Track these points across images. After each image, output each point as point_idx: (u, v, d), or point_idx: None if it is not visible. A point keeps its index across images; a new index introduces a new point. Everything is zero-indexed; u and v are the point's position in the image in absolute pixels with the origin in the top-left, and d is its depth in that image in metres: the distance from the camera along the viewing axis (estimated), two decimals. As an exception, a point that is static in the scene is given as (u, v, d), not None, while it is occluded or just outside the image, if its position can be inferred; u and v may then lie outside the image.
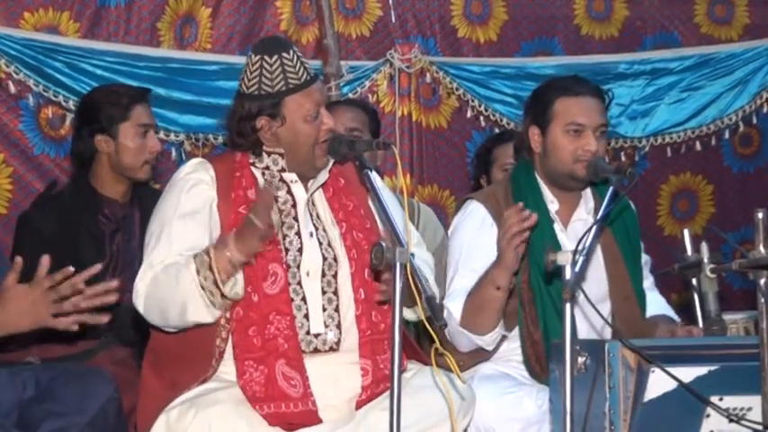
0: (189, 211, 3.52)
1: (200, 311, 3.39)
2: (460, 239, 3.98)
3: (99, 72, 5.07)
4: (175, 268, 3.39)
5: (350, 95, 5.51)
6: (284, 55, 3.56)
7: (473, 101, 5.70)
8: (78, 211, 4.36)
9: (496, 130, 5.63)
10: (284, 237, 3.56)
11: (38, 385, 3.51)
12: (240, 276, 3.41)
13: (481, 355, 3.95)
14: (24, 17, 5.05)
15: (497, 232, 3.81)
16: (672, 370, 3.36)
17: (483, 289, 3.75)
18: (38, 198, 4.55)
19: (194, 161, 3.68)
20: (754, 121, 6.08)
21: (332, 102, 4.82)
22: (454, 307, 3.84)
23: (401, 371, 3.22)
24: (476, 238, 3.95)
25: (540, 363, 3.85)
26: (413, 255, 3.28)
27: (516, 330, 3.93)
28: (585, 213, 4.02)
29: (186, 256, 3.40)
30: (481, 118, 5.73)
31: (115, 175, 4.40)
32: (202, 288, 3.36)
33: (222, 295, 3.37)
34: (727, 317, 3.93)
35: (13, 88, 4.97)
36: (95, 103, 4.43)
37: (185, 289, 3.37)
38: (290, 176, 3.63)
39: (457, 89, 5.69)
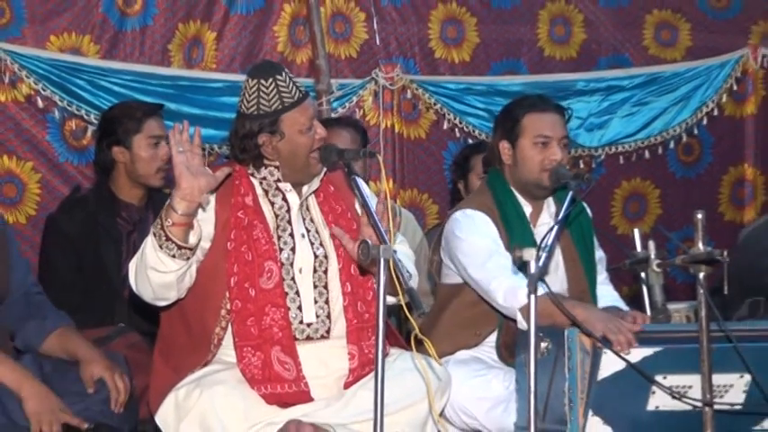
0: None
1: (163, 262, 3.33)
2: (475, 233, 3.90)
3: (117, 89, 5.07)
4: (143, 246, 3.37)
5: (339, 110, 5.51)
6: (278, 77, 3.56)
7: (449, 114, 5.70)
8: (99, 213, 4.36)
9: (470, 141, 5.63)
10: (279, 237, 3.58)
11: (56, 367, 3.50)
12: (197, 227, 3.36)
13: (460, 343, 3.96)
14: (51, 40, 5.04)
15: (495, 228, 3.86)
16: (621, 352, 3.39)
17: (557, 315, 3.51)
18: (63, 202, 4.54)
19: None
20: (695, 132, 6.09)
21: (328, 121, 4.83)
22: (513, 285, 3.70)
23: (384, 355, 3.23)
24: (488, 230, 3.91)
25: (509, 348, 3.85)
26: (395, 251, 3.29)
27: None
28: (548, 217, 4.03)
29: None
30: (456, 130, 5.73)
31: (131, 182, 4.41)
32: (153, 235, 3.32)
33: (171, 240, 3.31)
34: (672, 306, 3.94)
35: (40, 103, 4.97)
36: (113, 118, 4.44)
37: (147, 246, 3.35)
38: (285, 186, 3.64)
39: (434, 104, 5.69)
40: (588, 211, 4.13)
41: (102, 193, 4.43)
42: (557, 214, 3.98)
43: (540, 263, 3.46)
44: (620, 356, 3.37)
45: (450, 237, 3.96)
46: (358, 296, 3.60)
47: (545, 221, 4.01)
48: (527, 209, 4.00)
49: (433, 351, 3.36)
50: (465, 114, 5.73)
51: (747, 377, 3.46)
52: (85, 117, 5.03)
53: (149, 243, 3.34)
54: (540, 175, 3.93)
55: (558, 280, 3.94)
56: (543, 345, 3.51)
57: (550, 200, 4.03)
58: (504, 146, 3.99)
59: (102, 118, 4.56)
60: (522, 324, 3.66)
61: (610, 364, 3.40)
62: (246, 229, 3.54)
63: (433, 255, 4.13)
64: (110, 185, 4.44)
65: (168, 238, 3.31)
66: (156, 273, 3.36)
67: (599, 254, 4.12)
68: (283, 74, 3.58)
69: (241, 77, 5.13)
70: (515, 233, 3.90)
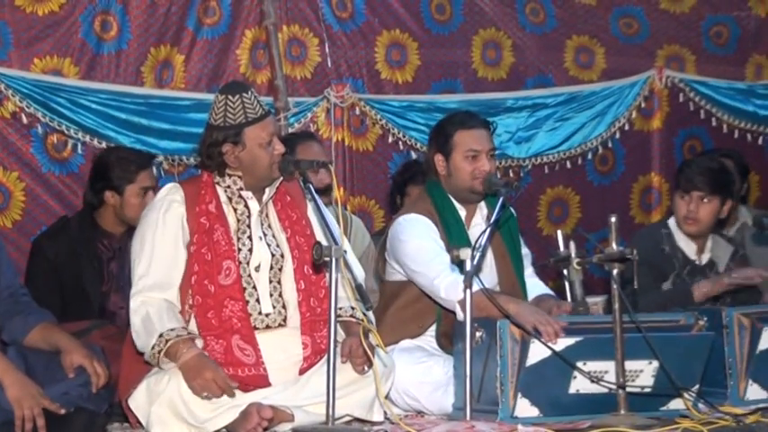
0: (169, 232, 3.54)
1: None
2: (417, 236, 3.88)
3: (94, 106, 5.01)
4: (150, 324, 3.43)
5: (296, 125, 5.47)
6: (244, 95, 3.56)
7: (393, 129, 5.68)
8: (81, 240, 4.32)
9: (413, 153, 5.63)
10: (239, 239, 3.57)
11: (39, 357, 3.45)
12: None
13: (404, 334, 3.94)
14: (34, 62, 4.98)
15: (436, 230, 3.87)
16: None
17: (491, 309, 3.54)
18: (48, 228, 4.52)
19: (168, 185, 3.69)
20: (610, 145, 6.11)
21: (301, 135, 4.87)
22: (454, 280, 3.68)
23: (336, 344, 3.27)
24: (429, 232, 3.89)
25: (448, 337, 3.84)
26: (345, 251, 3.29)
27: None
28: (481, 219, 4.03)
29: (164, 306, 3.46)
30: (400, 143, 5.71)
31: (117, 219, 4.36)
32: (151, 353, 3.42)
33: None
34: (590, 299, 3.96)
35: (25, 119, 4.91)
36: (108, 164, 4.37)
37: (145, 342, 3.43)
38: (246, 194, 3.63)
39: (380, 120, 5.67)
40: (515, 214, 4.13)
41: (85, 221, 4.38)
42: (488, 218, 3.98)
43: (475, 261, 3.50)
44: (546, 346, 3.39)
45: (395, 240, 3.94)
46: (311, 293, 3.60)
47: (478, 222, 4.02)
48: (462, 212, 4.00)
49: (380, 340, 3.37)
50: (408, 129, 5.72)
51: (655, 363, 3.48)
52: (66, 132, 4.98)
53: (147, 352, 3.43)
54: (471, 183, 3.93)
55: (490, 275, 3.93)
56: (478, 334, 3.52)
57: (482, 204, 4.03)
58: (439, 158, 3.98)
59: (97, 162, 4.48)
60: (460, 316, 3.66)
61: (537, 353, 3.41)
62: (208, 233, 3.54)
63: (379, 256, 4.11)
64: (94, 215, 4.39)
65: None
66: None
67: (525, 251, 4.13)
68: (249, 92, 3.58)
69: (207, 96, 5.18)
70: (453, 234, 3.90)
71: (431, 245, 3.84)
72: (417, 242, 3.86)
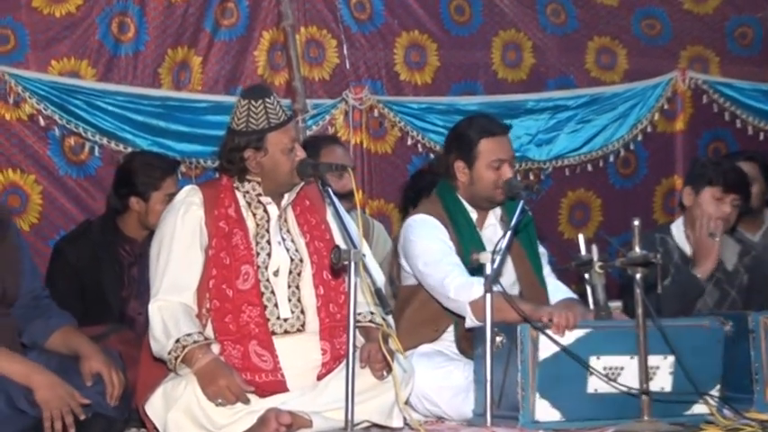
0: (186, 235, 3.54)
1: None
2: (426, 236, 3.89)
3: (111, 109, 5.04)
4: (166, 329, 3.43)
5: (314, 127, 5.49)
6: (267, 100, 3.57)
7: (412, 132, 5.68)
8: (103, 244, 4.34)
9: (431, 156, 5.63)
10: (257, 244, 3.58)
11: (60, 362, 3.46)
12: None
13: (421, 338, 3.94)
14: (51, 64, 5.01)
15: (446, 232, 3.86)
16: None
17: (509, 313, 3.53)
18: (71, 232, 4.54)
19: (187, 188, 3.70)
20: (632, 147, 6.08)
21: (325, 139, 4.87)
22: (466, 281, 3.70)
23: (355, 349, 3.26)
24: (438, 233, 3.90)
25: (468, 342, 3.84)
26: (364, 255, 3.30)
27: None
28: (494, 220, 4.04)
29: (183, 309, 3.46)
30: (419, 145, 5.71)
31: (140, 225, 4.38)
32: (168, 358, 3.42)
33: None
34: (612, 304, 3.94)
35: (42, 122, 4.94)
36: (133, 171, 4.39)
37: (163, 347, 3.44)
38: (265, 199, 3.64)
39: (399, 122, 5.67)
40: (530, 214, 4.11)
41: (107, 226, 4.41)
42: (502, 218, 3.99)
43: (495, 265, 3.49)
44: (552, 339, 3.37)
45: (405, 240, 3.95)
46: (330, 298, 3.60)
47: (491, 223, 4.02)
48: (473, 215, 4.00)
49: (399, 345, 3.37)
50: (427, 131, 5.72)
51: (671, 358, 3.47)
52: (83, 134, 5.00)
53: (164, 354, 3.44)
54: (493, 192, 3.93)
55: (507, 277, 3.93)
56: (498, 339, 3.51)
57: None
58: (460, 165, 3.97)
59: (121, 167, 4.51)
60: (470, 319, 3.66)
61: (549, 346, 3.40)
62: (227, 237, 3.55)
63: (393, 260, 4.12)
64: (116, 220, 4.42)
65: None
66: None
67: (541, 250, 4.13)
68: (272, 97, 3.59)
69: (225, 98, 5.22)
70: (464, 236, 3.91)
71: (439, 245, 3.85)
72: (426, 242, 3.87)
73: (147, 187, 4.34)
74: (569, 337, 3.40)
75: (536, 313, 3.50)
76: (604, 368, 3.42)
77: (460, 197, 4.00)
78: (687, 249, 4.42)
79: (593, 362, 3.41)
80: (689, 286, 4.22)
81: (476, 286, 3.65)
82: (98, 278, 4.28)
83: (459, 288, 3.71)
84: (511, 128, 4.03)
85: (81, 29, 5.05)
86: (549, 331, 3.40)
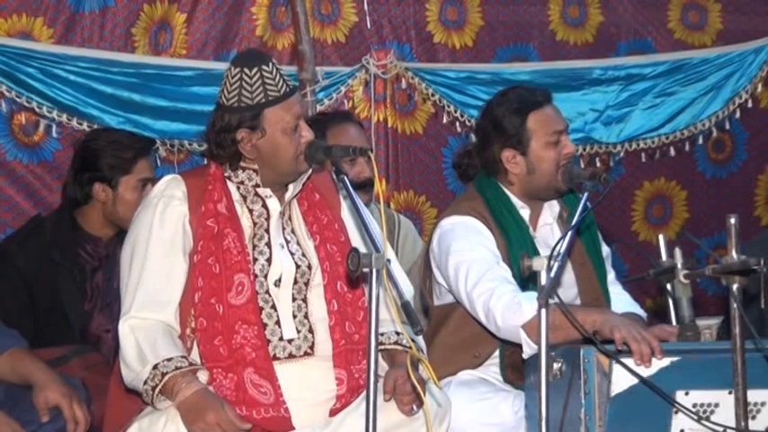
0: (166, 236, 3.56)
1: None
2: (465, 244, 3.89)
3: (72, 78, 5.06)
4: (142, 353, 3.44)
5: (326, 101, 5.51)
6: (264, 68, 3.57)
7: (449, 107, 5.71)
8: (60, 245, 4.37)
9: (472, 136, 5.63)
10: (254, 247, 3.59)
11: (7, 392, 3.50)
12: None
13: (458, 366, 3.96)
14: (-3, 23, 5.04)
15: (491, 236, 3.87)
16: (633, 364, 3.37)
17: (570, 329, 3.54)
18: (17, 231, 4.56)
19: (167, 178, 3.71)
20: (727, 126, 6.10)
21: (334, 116, 4.86)
22: (513, 300, 3.71)
23: (377, 378, 3.24)
24: (480, 238, 3.91)
25: (516, 369, 3.85)
26: (389, 260, 3.30)
27: None
28: (551, 218, 4.05)
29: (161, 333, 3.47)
30: (457, 124, 5.73)
31: (105, 220, 4.41)
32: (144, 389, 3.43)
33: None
34: (701, 322, 3.94)
35: (-15, 95, 4.96)
36: (98, 150, 4.43)
37: (137, 375, 3.44)
38: (264, 191, 3.65)
39: (432, 95, 5.70)
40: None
41: (64, 222, 4.43)
42: (561, 215, 3.99)
43: (553, 273, 3.48)
44: (630, 370, 3.37)
45: (439, 250, 3.96)
46: (346, 315, 3.61)
47: (547, 222, 4.04)
48: (524, 212, 4.01)
49: (432, 372, 3.37)
50: (467, 106, 5.74)
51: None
52: (37, 110, 5.02)
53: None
54: (556, 178, 3.94)
55: (566, 285, 3.96)
56: (556, 366, 3.51)
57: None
58: (510, 155, 3.98)
59: (83, 146, 4.54)
60: (528, 345, 3.67)
61: (624, 378, 3.40)
62: (216, 239, 3.56)
63: (424, 273, 4.11)
64: (75, 214, 4.44)
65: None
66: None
67: (605, 250, 4.14)
68: (270, 65, 3.60)
69: (215, 65, 5.24)
70: (514, 240, 3.92)
71: (482, 254, 3.86)
72: (466, 252, 3.87)
73: (114, 171, 4.38)
74: (651, 367, 3.40)
75: (607, 326, 3.48)
76: (694, 405, 3.42)
77: (508, 191, 4.01)
78: None
79: (681, 397, 3.41)
80: None
81: (525, 304, 3.65)
82: (53, 287, 4.30)
83: (505, 311, 3.71)
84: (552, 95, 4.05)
85: (34, -21, 5.09)
86: (626, 359, 3.39)
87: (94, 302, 4.35)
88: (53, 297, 4.31)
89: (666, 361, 3.41)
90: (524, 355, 3.71)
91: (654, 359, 3.39)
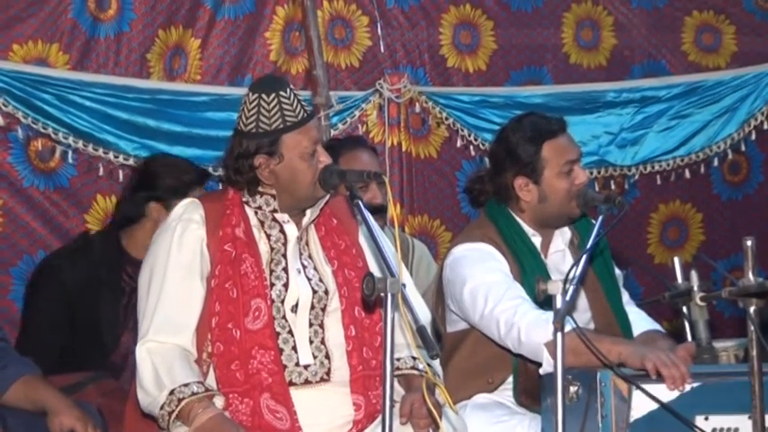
0: (184, 260, 3.57)
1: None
2: (480, 269, 3.89)
3: (88, 104, 5.07)
4: (158, 378, 3.45)
5: (339, 125, 5.52)
6: (281, 93, 3.59)
7: (462, 130, 5.72)
8: (106, 265, 4.41)
9: (486, 160, 5.64)
10: (271, 272, 3.60)
11: (21, 419, 3.50)
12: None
13: (471, 391, 3.96)
14: (13, 49, 5.04)
15: (504, 261, 3.87)
16: (652, 388, 3.37)
17: (590, 354, 3.51)
18: (66, 246, 4.60)
19: (185, 201, 3.72)
20: (743, 148, 6.09)
21: (345, 142, 4.88)
22: (537, 318, 3.70)
23: (393, 403, 3.22)
24: (495, 263, 3.91)
25: (530, 394, 3.85)
26: (404, 285, 3.30)
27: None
28: (562, 244, 4.06)
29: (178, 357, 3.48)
30: (471, 148, 5.74)
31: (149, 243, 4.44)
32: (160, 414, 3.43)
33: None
34: (718, 345, 3.94)
35: (1, 120, 4.95)
36: (157, 172, 4.50)
37: (154, 400, 3.44)
38: (282, 217, 3.66)
39: (446, 119, 5.71)
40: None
41: (110, 243, 4.47)
42: (572, 241, 4.00)
43: (568, 296, 3.48)
44: (649, 395, 3.36)
45: (453, 277, 3.96)
46: (363, 340, 3.61)
47: (558, 249, 4.04)
48: (536, 239, 4.02)
49: (448, 396, 3.37)
50: (481, 130, 5.75)
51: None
52: (53, 136, 5.03)
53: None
54: (569, 205, 3.95)
55: (579, 310, 3.94)
56: (572, 389, 3.51)
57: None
58: (522, 182, 3.98)
59: (143, 166, 4.61)
60: (546, 366, 3.66)
61: (643, 403, 3.39)
62: (233, 264, 3.57)
63: (436, 300, 4.11)
64: (120, 237, 4.47)
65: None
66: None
67: (617, 272, 4.14)
68: (288, 90, 3.61)
69: (229, 90, 5.26)
70: (527, 266, 3.92)
71: (500, 277, 3.86)
72: (481, 277, 3.87)
73: (172, 192, 4.40)
74: (668, 393, 3.39)
75: (635, 357, 3.47)
76: (714, 430, 3.41)
77: (519, 219, 4.02)
78: None
79: (700, 422, 3.40)
80: None
81: (549, 322, 3.65)
82: (94, 305, 4.32)
83: (531, 326, 3.69)
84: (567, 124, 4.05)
85: (50, 5, 5.08)
86: (648, 385, 3.38)
87: (126, 323, 4.36)
88: (92, 315, 4.32)
89: (686, 386, 3.40)
90: (542, 371, 3.70)
91: (690, 383, 3.39)
